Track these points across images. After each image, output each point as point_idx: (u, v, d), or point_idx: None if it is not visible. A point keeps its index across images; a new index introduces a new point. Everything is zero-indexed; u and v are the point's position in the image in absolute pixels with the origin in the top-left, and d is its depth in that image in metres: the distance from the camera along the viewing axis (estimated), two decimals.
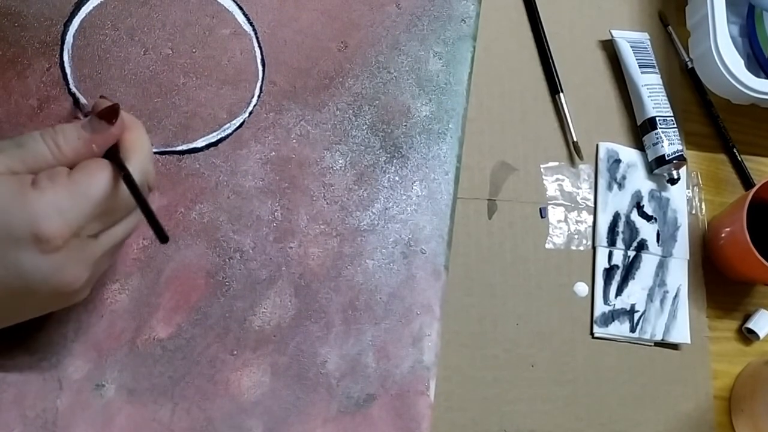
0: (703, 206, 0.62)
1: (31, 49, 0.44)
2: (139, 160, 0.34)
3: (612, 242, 0.58)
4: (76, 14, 0.45)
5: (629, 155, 0.61)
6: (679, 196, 0.61)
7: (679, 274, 0.59)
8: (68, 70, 0.44)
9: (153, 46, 0.46)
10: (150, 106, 0.45)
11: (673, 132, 0.60)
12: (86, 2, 0.45)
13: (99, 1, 0.46)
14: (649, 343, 0.57)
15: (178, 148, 0.44)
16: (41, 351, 0.39)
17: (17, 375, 0.39)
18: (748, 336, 0.59)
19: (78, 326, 0.40)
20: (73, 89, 0.43)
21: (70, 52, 0.44)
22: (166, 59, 0.46)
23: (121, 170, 0.33)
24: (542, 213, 0.58)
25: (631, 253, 0.58)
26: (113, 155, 0.34)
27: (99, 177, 0.32)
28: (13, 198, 0.31)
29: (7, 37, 0.44)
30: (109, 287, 0.41)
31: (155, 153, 0.44)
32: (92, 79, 0.44)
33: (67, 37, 0.44)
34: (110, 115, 0.34)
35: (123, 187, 0.33)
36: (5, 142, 0.33)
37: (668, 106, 0.61)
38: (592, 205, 0.59)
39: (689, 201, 0.62)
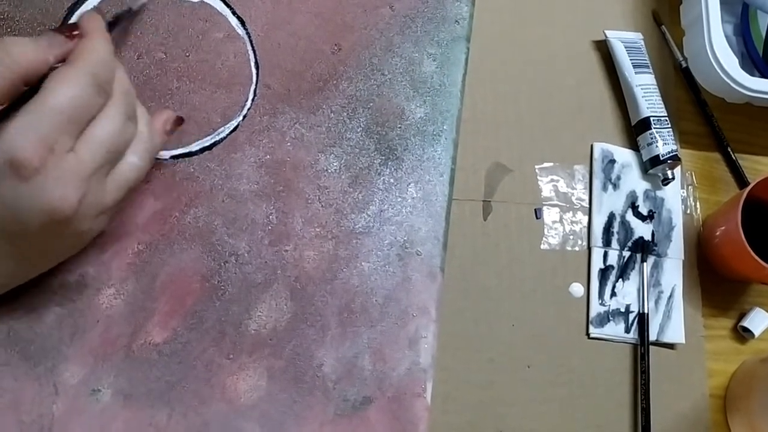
0: (698, 206, 0.62)
1: None
2: (87, 63, 0.33)
3: (607, 243, 0.58)
4: (69, 19, 0.45)
5: (624, 155, 0.61)
6: (673, 196, 0.61)
7: (673, 274, 0.59)
8: None
9: (146, 50, 0.46)
10: None
11: (668, 132, 0.60)
12: (79, 7, 0.45)
13: (92, 6, 0.45)
14: None
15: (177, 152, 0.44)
16: (36, 356, 0.39)
17: (12, 380, 0.39)
18: (743, 334, 0.59)
19: (73, 331, 0.40)
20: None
21: None
22: (159, 63, 0.46)
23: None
24: (537, 214, 0.58)
25: (626, 254, 0.58)
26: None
27: (56, 88, 0.32)
28: None
29: None
30: (104, 292, 0.41)
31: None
32: None
33: None
34: (69, 29, 0.34)
35: (88, 92, 0.33)
36: None
37: (662, 106, 0.61)
38: (587, 206, 0.59)
39: (684, 201, 0.62)
